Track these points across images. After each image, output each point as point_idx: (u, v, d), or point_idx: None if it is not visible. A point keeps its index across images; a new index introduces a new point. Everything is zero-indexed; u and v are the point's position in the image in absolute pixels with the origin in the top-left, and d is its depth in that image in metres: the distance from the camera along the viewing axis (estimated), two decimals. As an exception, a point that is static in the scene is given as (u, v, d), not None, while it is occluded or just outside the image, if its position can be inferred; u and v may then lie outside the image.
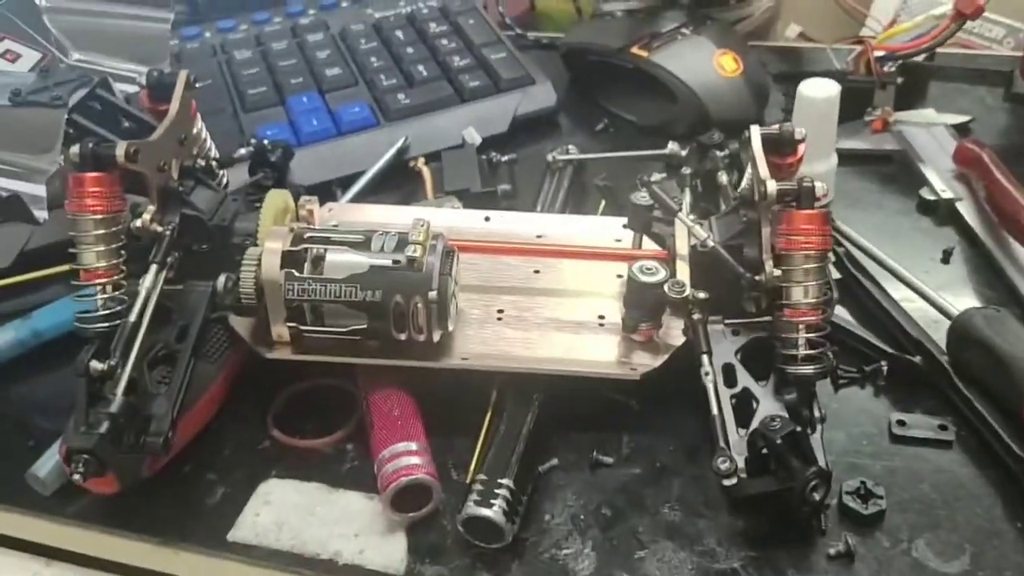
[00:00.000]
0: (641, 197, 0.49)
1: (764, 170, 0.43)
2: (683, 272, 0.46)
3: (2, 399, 0.50)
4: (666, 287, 0.44)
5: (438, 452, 0.44)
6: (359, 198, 0.60)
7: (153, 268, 0.43)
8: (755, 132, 0.46)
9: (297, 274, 0.43)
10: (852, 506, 0.41)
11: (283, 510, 0.43)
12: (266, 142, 0.57)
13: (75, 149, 0.42)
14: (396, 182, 0.63)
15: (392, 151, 0.63)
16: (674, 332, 0.46)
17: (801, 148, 0.46)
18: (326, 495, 0.44)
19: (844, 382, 0.47)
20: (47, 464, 0.44)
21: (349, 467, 0.45)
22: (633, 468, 0.44)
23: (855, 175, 0.62)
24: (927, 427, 0.45)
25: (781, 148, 0.46)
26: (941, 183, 0.60)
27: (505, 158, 0.62)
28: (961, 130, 0.65)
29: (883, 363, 0.47)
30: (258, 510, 0.43)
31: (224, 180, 0.52)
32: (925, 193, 0.59)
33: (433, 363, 0.45)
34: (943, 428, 0.45)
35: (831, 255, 0.44)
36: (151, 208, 0.44)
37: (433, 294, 0.43)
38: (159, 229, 0.44)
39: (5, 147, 0.45)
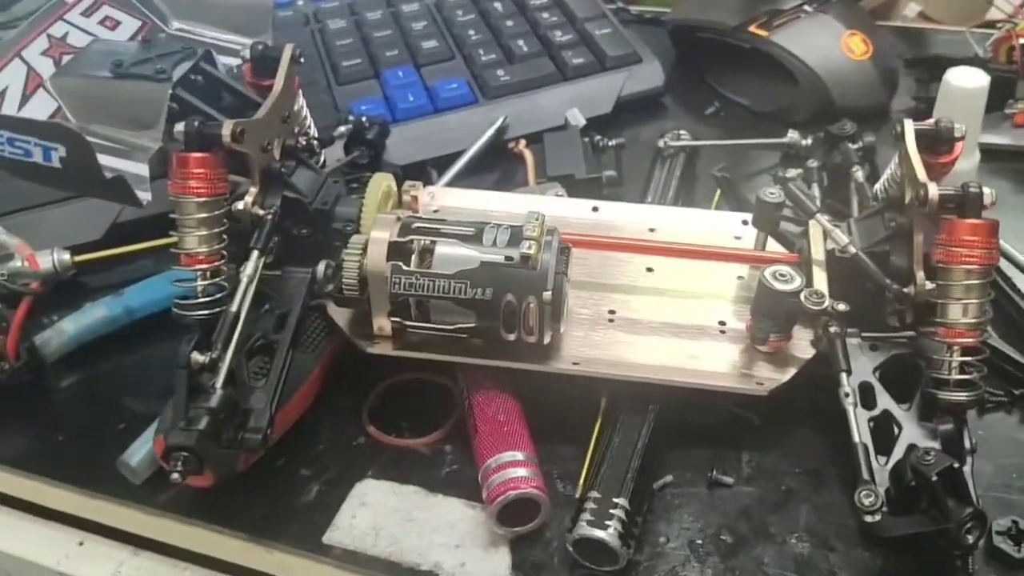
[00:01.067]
0: (770, 194, 0.45)
1: (922, 172, 0.39)
2: (818, 279, 0.42)
3: (92, 378, 0.49)
4: (803, 296, 0.40)
5: (542, 461, 0.41)
6: (456, 180, 0.57)
7: (255, 254, 0.41)
8: (909, 127, 0.41)
9: (404, 267, 0.41)
10: (1003, 548, 0.37)
11: (380, 514, 0.41)
12: (364, 119, 0.54)
13: (180, 127, 0.39)
14: (492, 163, 0.60)
15: (491, 131, 0.60)
16: (801, 343, 0.43)
17: (959, 147, 0.42)
18: (424, 500, 0.42)
19: (991, 406, 0.43)
20: (139, 452, 0.43)
21: (448, 471, 0.43)
22: (755, 490, 0.41)
23: (994, 172, 0.57)
24: (1086, 462, 0.41)
25: (935, 145, 0.42)
26: (1093, 186, 0.54)
27: (612, 142, 0.58)
28: (1111, 127, 0.59)
29: (1035, 387, 0.43)
30: (354, 512, 0.41)
31: (323, 160, 0.50)
32: (1075, 196, 0.54)
33: (543, 366, 0.42)
34: (1104, 464, 0.40)
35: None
36: (253, 190, 0.42)
37: (548, 294, 0.40)
38: (260, 212, 0.42)
39: (107, 122, 0.43)
